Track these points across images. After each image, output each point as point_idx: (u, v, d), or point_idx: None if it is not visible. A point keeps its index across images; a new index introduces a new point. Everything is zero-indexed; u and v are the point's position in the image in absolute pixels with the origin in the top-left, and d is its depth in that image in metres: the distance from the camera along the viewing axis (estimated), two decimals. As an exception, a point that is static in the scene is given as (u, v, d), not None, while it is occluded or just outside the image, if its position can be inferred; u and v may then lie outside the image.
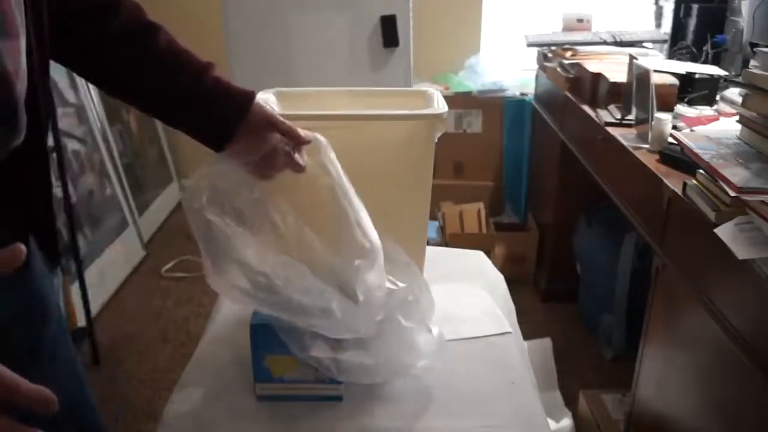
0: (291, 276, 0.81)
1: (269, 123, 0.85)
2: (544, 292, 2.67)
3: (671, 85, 1.70)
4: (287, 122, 0.86)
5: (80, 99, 2.77)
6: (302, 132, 0.87)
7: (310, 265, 0.83)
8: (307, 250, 0.84)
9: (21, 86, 0.66)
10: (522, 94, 3.07)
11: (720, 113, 1.65)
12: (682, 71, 1.76)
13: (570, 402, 1.97)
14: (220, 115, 0.85)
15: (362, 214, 0.86)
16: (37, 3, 0.69)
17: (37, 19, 0.69)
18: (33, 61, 0.69)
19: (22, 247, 0.50)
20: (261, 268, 0.81)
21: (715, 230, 1.07)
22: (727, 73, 1.80)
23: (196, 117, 0.86)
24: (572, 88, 2.22)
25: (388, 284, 0.85)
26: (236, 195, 0.84)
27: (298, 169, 0.88)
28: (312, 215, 0.86)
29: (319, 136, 0.88)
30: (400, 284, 0.86)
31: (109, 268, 2.65)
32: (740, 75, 1.57)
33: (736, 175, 1.11)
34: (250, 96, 0.86)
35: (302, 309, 0.81)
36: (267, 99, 1.07)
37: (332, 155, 0.88)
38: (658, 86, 1.62)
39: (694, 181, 1.22)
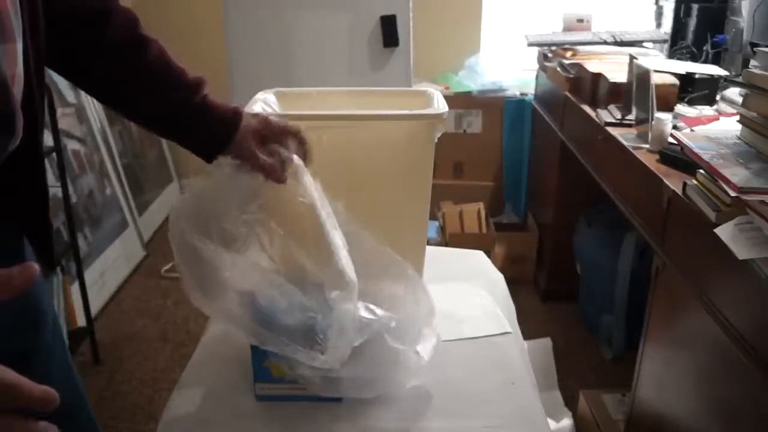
0: (277, 295, 0.81)
1: (258, 135, 0.87)
2: (544, 292, 2.67)
3: (671, 85, 1.70)
4: (263, 161, 0.86)
5: (80, 99, 2.77)
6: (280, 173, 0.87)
7: (299, 283, 0.83)
8: (295, 269, 0.84)
9: (17, 90, 0.66)
10: (522, 94, 3.07)
11: (720, 113, 1.65)
12: (682, 71, 1.76)
13: (570, 402, 1.97)
14: (206, 136, 0.86)
15: (340, 243, 0.85)
16: (33, 6, 0.69)
17: (34, 22, 0.69)
18: (30, 64, 0.69)
19: (35, 266, 0.49)
20: (246, 288, 0.81)
21: (715, 230, 1.07)
22: (727, 73, 1.80)
23: (183, 134, 0.87)
24: (572, 88, 2.22)
25: (366, 314, 0.84)
26: (223, 215, 0.83)
27: (277, 179, 0.87)
28: (299, 234, 0.86)
29: (295, 159, 0.88)
30: (380, 312, 0.85)
31: (109, 268, 2.65)
32: (740, 75, 1.57)
33: (737, 175, 1.11)
34: (238, 115, 0.86)
35: (285, 332, 0.80)
36: (267, 99, 1.07)
37: (307, 179, 0.87)
38: (658, 86, 1.62)
39: (694, 181, 1.22)
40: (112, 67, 0.82)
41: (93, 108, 2.87)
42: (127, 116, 0.89)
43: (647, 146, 1.54)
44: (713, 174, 1.15)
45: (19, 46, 0.66)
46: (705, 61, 2.00)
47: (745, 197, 1.06)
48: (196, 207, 0.83)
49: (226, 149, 0.86)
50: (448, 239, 2.86)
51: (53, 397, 0.47)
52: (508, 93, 3.08)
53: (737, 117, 1.34)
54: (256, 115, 0.90)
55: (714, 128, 1.50)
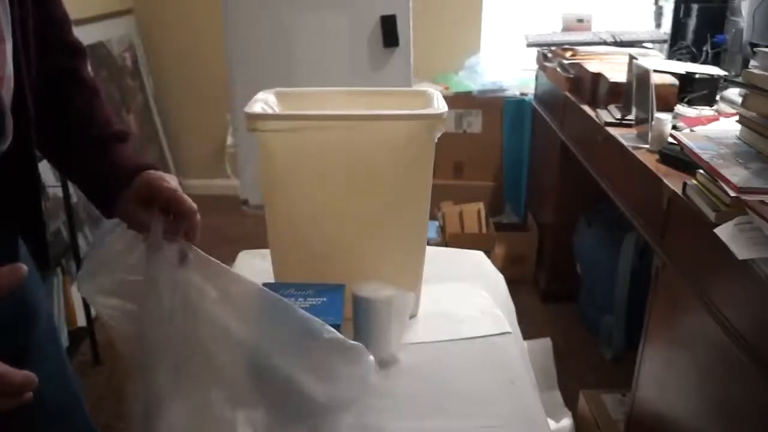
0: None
1: (152, 192, 0.77)
2: (544, 292, 2.67)
3: (671, 85, 1.70)
4: (173, 195, 0.76)
5: (80, 99, 2.77)
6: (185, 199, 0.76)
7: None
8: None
9: (7, 91, 0.66)
10: (522, 94, 3.07)
11: (720, 113, 1.65)
12: (682, 71, 1.76)
13: (570, 402, 1.97)
14: (100, 189, 0.81)
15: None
16: (24, 6, 0.69)
17: (24, 24, 0.69)
18: (20, 65, 0.68)
19: (24, 267, 0.52)
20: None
21: (715, 230, 1.07)
22: (726, 73, 1.80)
23: (80, 183, 0.83)
24: (572, 88, 2.22)
25: None
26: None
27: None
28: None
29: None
30: None
31: (109, 268, 2.64)
32: (740, 75, 1.57)
33: (736, 175, 1.11)
34: (132, 172, 0.79)
35: None
36: (267, 99, 1.07)
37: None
38: (658, 86, 1.62)
39: (694, 181, 1.22)
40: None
41: (93, 108, 2.87)
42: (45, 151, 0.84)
43: (647, 146, 1.54)
44: (713, 174, 1.15)
45: (9, 46, 0.65)
46: (705, 62, 2.00)
47: (744, 197, 1.06)
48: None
49: (122, 197, 0.78)
50: (448, 239, 2.85)
51: (33, 381, 0.53)
52: (508, 93, 3.08)
53: (737, 117, 1.34)
54: (155, 180, 0.78)
55: (714, 128, 1.50)
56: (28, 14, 0.70)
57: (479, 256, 1.43)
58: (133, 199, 0.77)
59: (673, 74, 1.73)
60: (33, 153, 0.76)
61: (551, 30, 2.78)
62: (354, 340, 1.00)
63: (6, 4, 0.65)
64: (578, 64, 2.21)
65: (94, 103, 0.83)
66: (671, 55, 2.18)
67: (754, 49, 1.50)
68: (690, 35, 2.12)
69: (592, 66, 2.12)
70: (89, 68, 0.84)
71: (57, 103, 0.80)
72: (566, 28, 2.73)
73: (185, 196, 0.77)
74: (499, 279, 1.36)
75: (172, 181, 0.78)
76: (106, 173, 0.80)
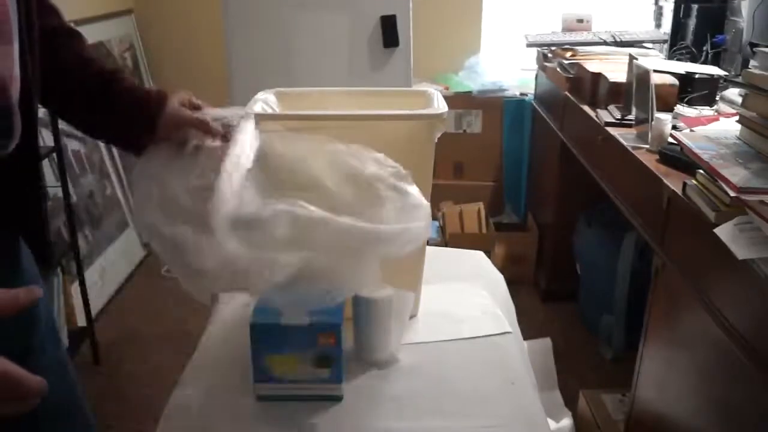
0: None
1: (181, 123, 0.88)
2: (544, 292, 2.67)
3: (671, 85, 1.70)
4: (197, 117, 0.90)
5: (80, 99, 2.77)
6: (213, 124, 0.90)
7: None
8: None
9: (15, 91, 0.66)
10: (522, 94, 3.07)
11: (720, 113, 1.65)
12: (682, 71, 1.76)
13: (570, 402, 1.97)
14: (130, 126, 0.87)
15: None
16: (28, 7, 0.69)
17: (30, 24, 0.69)
18: (27, 65, 0.69)
19: (40, 290, 0.55)
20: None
21: (715, 230, 1.07)
22: (726, 73, 1.80)
23: (108, 127, 0.89)
24: (572, 88, 2.22)
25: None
26: (178, 195, 0.82)
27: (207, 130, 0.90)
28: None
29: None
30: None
31: (109, 268, 2.65)
32: (740, 75, 1.57)
33: (736, 175, 1.11)
34: (162, 92, 0.89)
35: None
36: (267, 99, 1.07)
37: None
38: (658, 86, 1.62)
39: (694, 181, 1.22)
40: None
41: (93, 108, 2.87)
42: (61, 115, 0.90)
43: (647, 146, 1.54)
44: (713, 174, 1.15)
45: (16, 47, 0.66)
46: (704, 62, 2.00)
47: (744, 197, 1.06)
48: (158, 194, 0.82)
49: (156, 127, 0.87)
50: (448, 239, 2.86)
51: (45, 388, 0.55)
52: (508, 93, 3.08)
53: (737, 117, 1.35)
54: (182, 117, 0.90)
55: (713, 128, 1.50)
56: (33, 15, 0.71)
57: (479, 256, 1.43)
58: (163, 137, 0.87)
59: (673, 74, 1.73)
60: (38, 153, 0.76)
61: (551, 30, 2.78)
62: (354, 340, 1.01)
63: (14, 5, 0.65)
64: (578, 64, 2.21)
65: (81, 47, 0.86)
66: (671, 56, 2.17)
67: (754, 49, 1.50)
68: (690, 35, 2.12)
69: (592, 66, 2.12)
70: (66, 22, 0.87)
71: (47, 59, 0.80)
72: (566, 28, 2.73)
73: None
74: (499, 279, 1.36)
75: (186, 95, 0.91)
76: (123, 122, 0.86)
